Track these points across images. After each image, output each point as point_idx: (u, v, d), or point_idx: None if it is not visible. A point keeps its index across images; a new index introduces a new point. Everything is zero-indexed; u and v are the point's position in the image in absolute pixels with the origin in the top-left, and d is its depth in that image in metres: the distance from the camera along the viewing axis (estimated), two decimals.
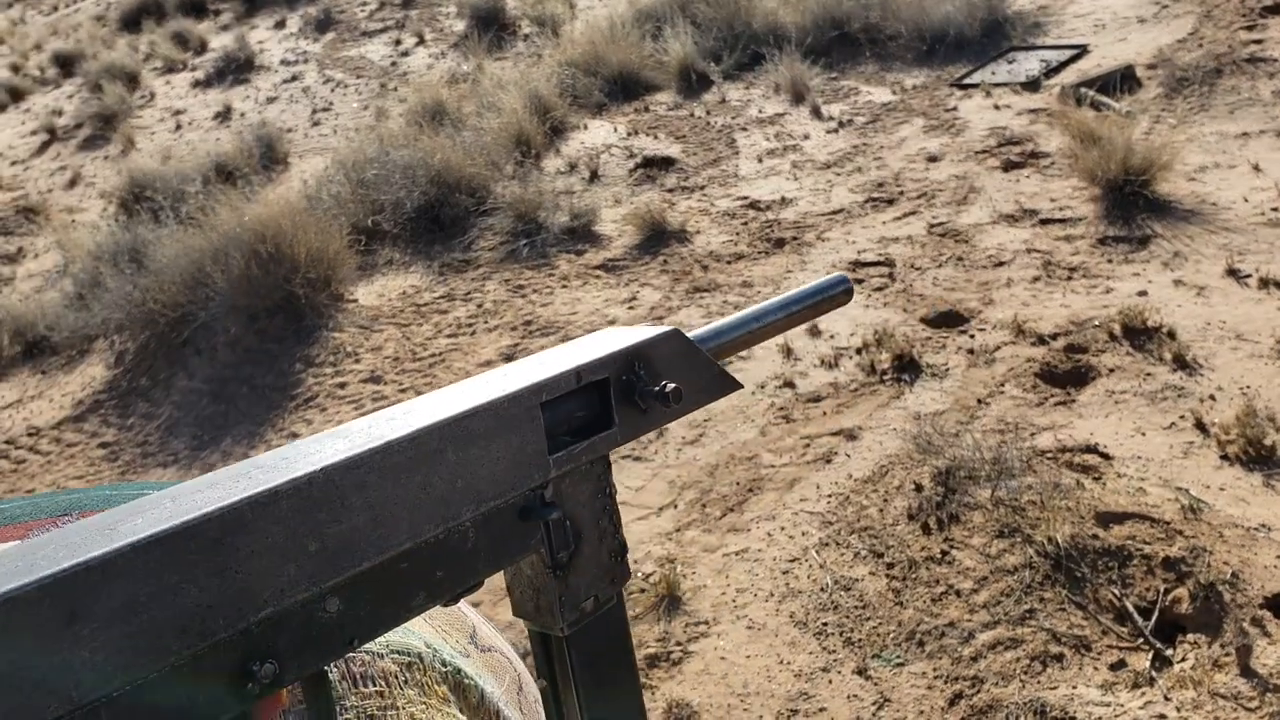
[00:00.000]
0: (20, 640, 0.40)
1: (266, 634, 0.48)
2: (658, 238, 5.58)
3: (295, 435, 4.51)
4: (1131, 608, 2.84)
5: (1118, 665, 2.71)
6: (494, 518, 0.60)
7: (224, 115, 9.74)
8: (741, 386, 0.84)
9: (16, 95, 11.35)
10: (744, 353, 4.41)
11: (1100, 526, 3.09)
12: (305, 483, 0.48)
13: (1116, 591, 2.90)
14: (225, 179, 7.10)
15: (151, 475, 4.36)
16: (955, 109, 6.68)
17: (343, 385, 4.79)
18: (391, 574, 0.54)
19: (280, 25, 12.57)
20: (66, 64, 12.21)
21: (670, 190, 6.27)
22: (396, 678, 0.69)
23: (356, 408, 4.60)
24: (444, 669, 0.71)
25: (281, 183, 7.42)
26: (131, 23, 13.42)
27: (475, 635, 0.78)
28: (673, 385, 0.67)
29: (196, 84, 10.96)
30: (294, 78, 10.64)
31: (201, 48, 12.26)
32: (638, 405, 0.68)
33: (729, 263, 5.24)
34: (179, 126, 9.78)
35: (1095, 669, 2.70)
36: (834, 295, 0.89)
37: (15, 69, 12.68)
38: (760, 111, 7.32)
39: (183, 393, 4.90)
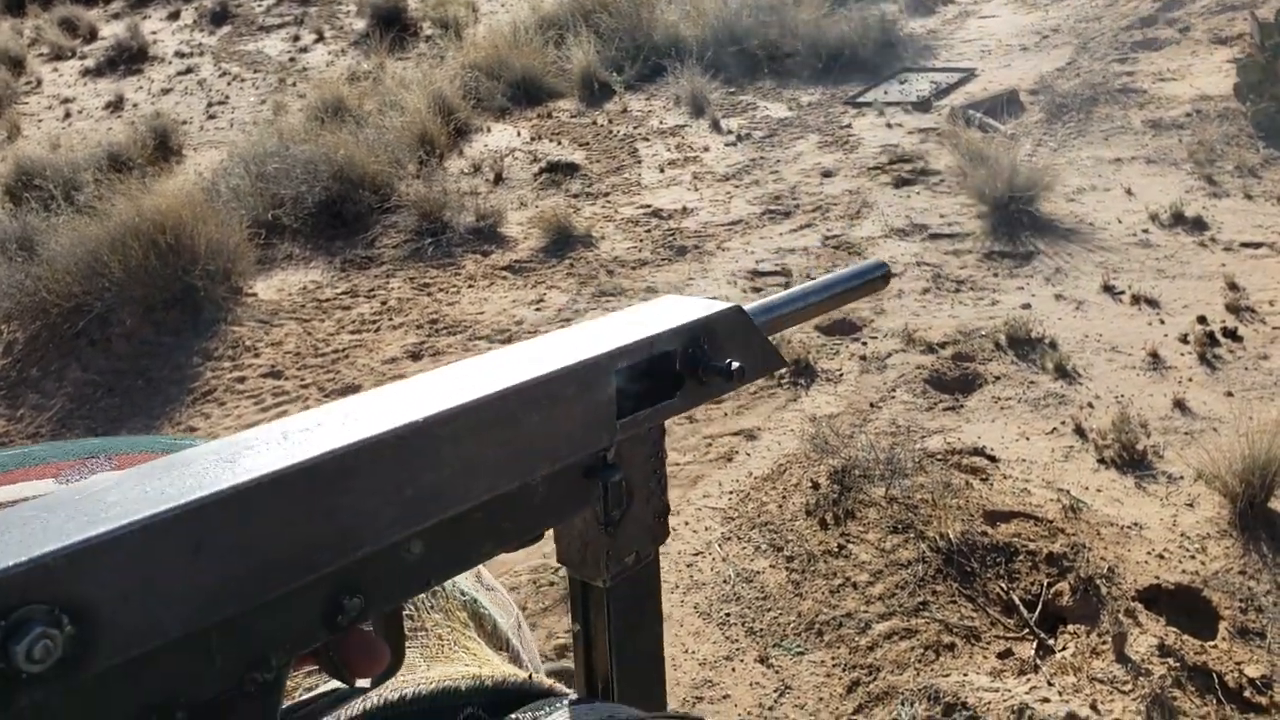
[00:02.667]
0: (150, 566, 0.41)
1: (359, 571, 0.51)
2: (564, 242, 5.65)
3: (192, 429, 4.46)
4: (1018, 600, 3.02)
5: (1005, 654, 2.87)
6: (561, 475, 0.64)
7: (116, 105, 9.51)
8: (786, 364, 0.90)
9: None
10: None
11: (988, 524, 3.27)
12: (409, 432, 0.52)
13: (1004, 585, 3.07)
14: (118, 169, 6.95)
15: None
16: (849, 126, 6.91)
17: (242, 379, 4.76)
18: (468, 522, 0.57)
19: (174, 16, 12.31)
20: None
21: (575, 196, 6.35)
22: (423, 603, 0.76)
23: (256, 402, 4.57)
24: (463, 598, 0.78)
25: (177, 175, 7.30)
26: (15, 6, 13.00)
27: (480, 575, 0.85)
28: (738, 363, 0.70)
29: (86, 72, 10.66)
30: (189, 70, 10.44)
31: (91, 36, 11.93)
32: (699, 378, 0.71)
33: (633, 268, 5.34)
34: (68, 115, 9.52)
35: (984, 657, 2.86)
36: (873, 280, 0.94)
37: None
38: (661, 122, 7.45)
39: (76, 384, 4.80)
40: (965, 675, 2.83)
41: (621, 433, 0.66)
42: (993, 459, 3.67)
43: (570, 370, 0.61)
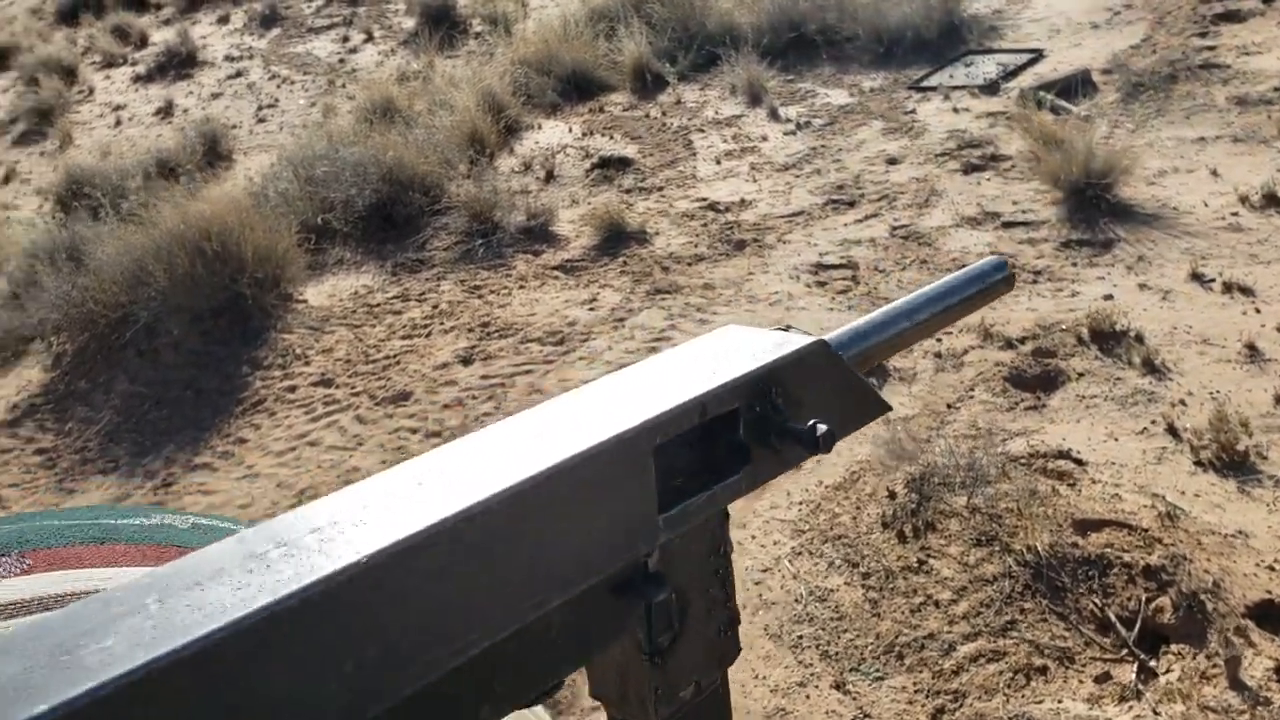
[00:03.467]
0: None
1: None
2: (616, 238, 5.47)
3: (242, 440, 4.35)
4: (1114, 618, 2.78)
5: (1103, 678, 2.64)
6: (582, 600, 0.46)
7: (166, 111, 9.48)
8: (890, 409, 0.67)
9: None
10: None
11: (1079, 534, 3.04)
12: (344, 580, 0.36)
13: (1098, 601, 2.84)
14: (167, 175, 6.88)
15: (91, 483, 4.18)
16: (913, 112, 6.65)
17: (292, 389, 4.63)
18: (444, 691, 0.41)
19: (224, 21, 12.31)
20: (1, 58, 11.84)
21: (628, 191, 6.17)
22: None
23: (307, 411, 4.44)
24: None
25: (226, 180, 7.22)
26: (69, 16, 13.07)
27: None
28: (824, 428, 0.53)
29: (137, 79, 10.67)
30: (238, 74, 10.40)
31: (142, 42, 11.96)
32: (772, 446, 0.54)
33: (689, 264, 5.15)
34: (119, 122, 9.51)
35: (1080, 681, 2.63)
36: (994, 285, 0.75)
37: None
38: (717, 113, 7.24)
39: (123, 396, 4.71)
40: (1060, 702, 2.60)
41: (666, 531, 0.49)
42: (1080, 462, 3.42)
43: (584, 458, 0.44)
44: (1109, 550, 2.99)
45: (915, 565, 3.03)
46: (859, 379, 0.61)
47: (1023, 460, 3.42)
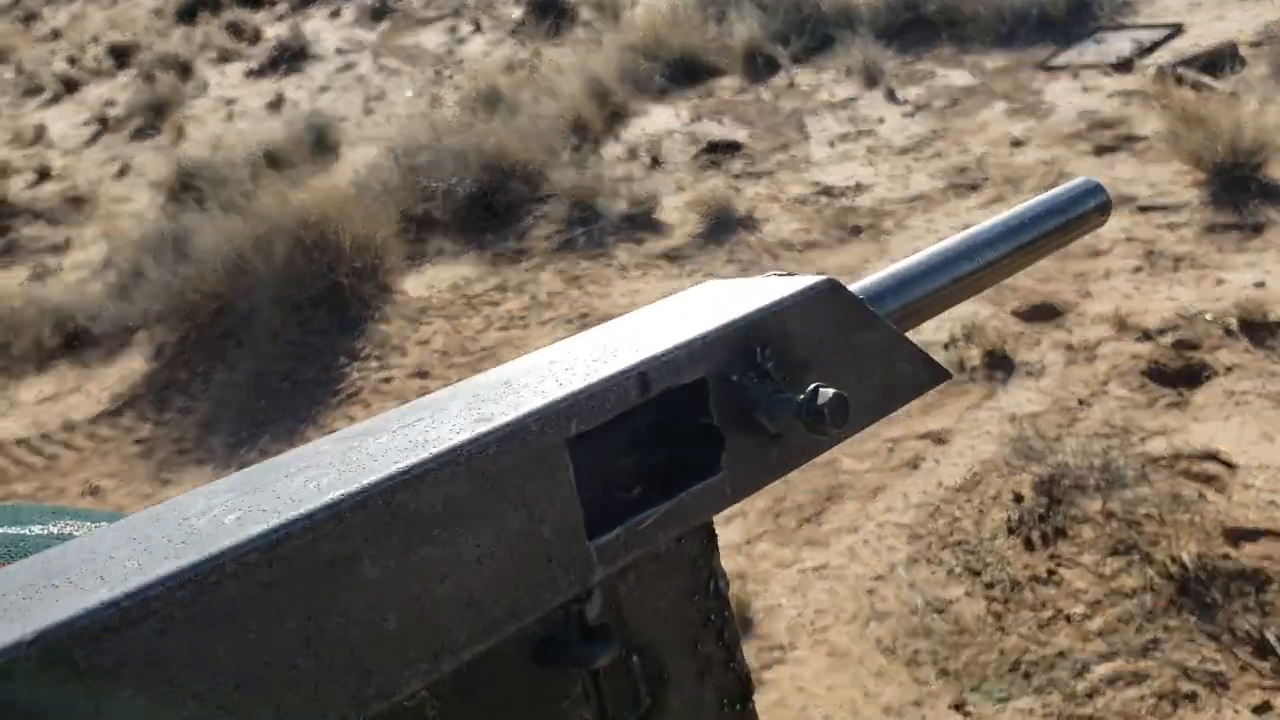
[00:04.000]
0: None
1: None
2: (724, 225, 5.25)
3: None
4: (1274, 639, 2.47)
5: (1262, 708, 2.34)
6: (478, 674, 0.32)
7: (276, 104, 9.56)
8: (949, 375, 0.47)
9: (71, 87, 11.26)
10: None
11: (1230, 545, 2.73)
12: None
13: (1255, 621, 2.53)
14: (274, 167, 6.89)
15: (186, 474, 4.13)
16: (1040, 92, 6.28)
17: (388, 380, 4.53)
18: None
19: (335, 15, 12.40)
20: (122, 55, 12.11)
21: (736, 176, 5.94)
22: None
23: (402, 403, 4.33)
24: None
25: (332, 171, 7.19)
26: (188, 14, 13.33)
27: None
28: (829, 391, 0.38)
29: (250, 73, 10.81)
30: (348, 66, 10.45)
31: (256, 37, 12.12)
32: (761, 427, 0.39)
33: (801, 251, 4.90)
34: (231, 116, 9.62)
35: (1235, 711, 2.33)
36: (1084, 215, 0.57)
37: (72, 61, 12.62)
38: (831, 95, 6.96)
39: (222, 387, 4.66)
40: None
41: (603, 564, 0.34)
42: (1229, 465, 3.09)
43: (448, 462, 0.31)
44: (1267, 563, 2.68)
45: (1044, 575, 2.75)
46: (896, 336, 0.45)
47: (1164, 462, 3.11)
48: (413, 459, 0.30)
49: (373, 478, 0.30)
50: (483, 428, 0.32)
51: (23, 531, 0.63)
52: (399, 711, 0.31)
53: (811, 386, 0.39)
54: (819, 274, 0.43)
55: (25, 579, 0.27)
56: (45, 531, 0.64)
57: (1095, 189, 0.59)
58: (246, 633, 0.27)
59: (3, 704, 0.24)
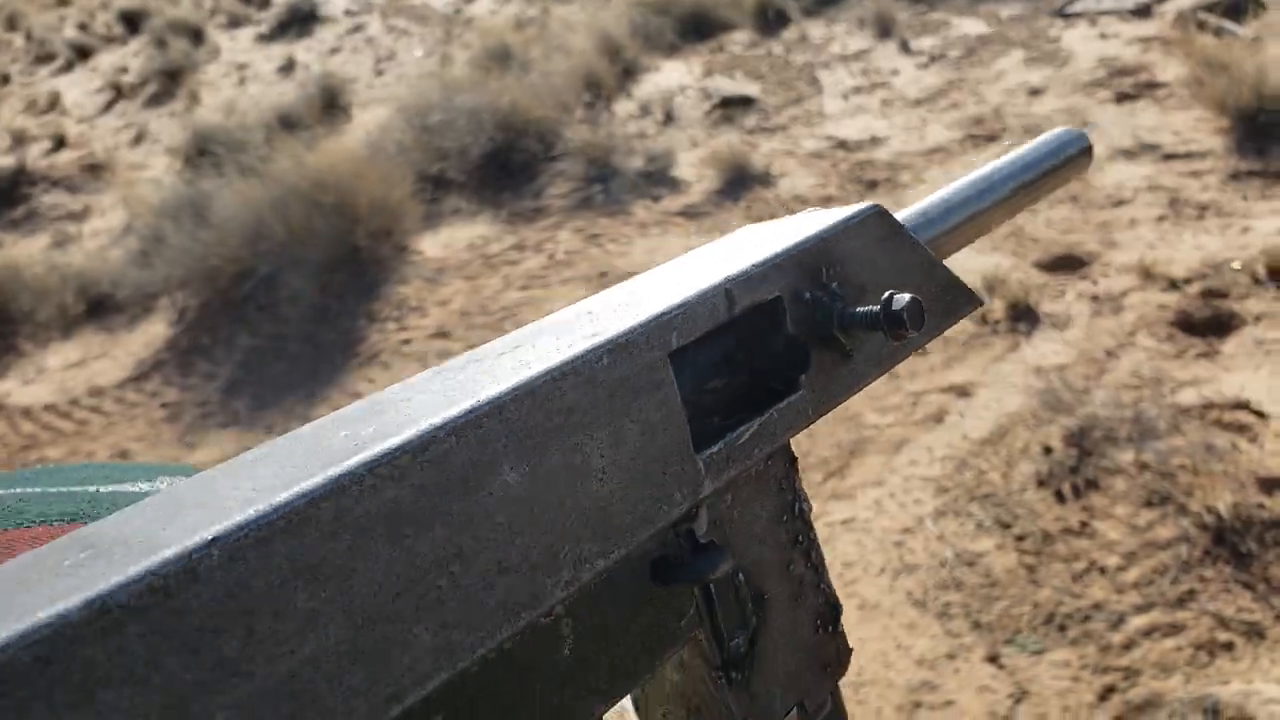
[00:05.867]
0: None
1: None
2: (740, 181, 5.22)
3: (358, 395, 4.26)
4: None
5: None
6: (605, 593, 0.33)
7: (287, 68, 9.51)
8: (982, 302, 0.51)
9: (84, 53, 11.21)
10: None
11: (1265, 494, 2.72)
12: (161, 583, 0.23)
13: None
14: (288, 130, 6.86)
15: (211, 437, 4.14)
16: (1058, 39, 6.21)
17: (407, 341, 4.53)
18: None
19: None
20: (132, 21, 12.05)
21: (751, 131, 5.90)
22: None
23: (423, 365, 4.33)
24: None
25: (345, 133, 7.16)
26: None
27: None
28: (905, 296, 0.40)
29: (260, 38, 10.74)
30: (357, 28, 10.38)
31: (265, 1, 12.04)
32: (838, 342, 0.41)
33: (818, 206, 4.87)
34: (243, 80, 9.57)
35: (1273, 660, 2.33)
36: (1073, 158, 0.63)
37: (82, 27, 12.56)
38: (844, 48, 6.89)
39: (244, 351, 4.67)
40: (1250, 683, 2.31)
41: (711, 477, 0.35)
42: (1261, 414, 3.08)
43: (557, 374, 0.32)
44: None
45: (1077, 527, 2.75)
46: (937, 262, 0.49)
47: (1195, 412, 3.10)
48: (533, 371, 0.32)
49: (501, 387, 0.30)
50: (593, 341, 0.34)
51: (128, 488, 0.63)
52: (537, 628, 0.32)
53: (885, 295, 0.41)
54: (866, 203, 0.46)
55: (184, 494, 0.28)
56: (152, 488, 0.64)
57: (1080, 136, 0.64)
58: (402, 539, 0.28)
59: (200, 600, 0.24)
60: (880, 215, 0.45)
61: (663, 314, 0.35)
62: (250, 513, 0.26)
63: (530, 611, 0.30)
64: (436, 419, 0.29)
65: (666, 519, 0.34)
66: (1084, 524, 2.74)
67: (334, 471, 0.27)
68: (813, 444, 3.37)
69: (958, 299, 0.50)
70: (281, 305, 4.82)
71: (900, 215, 0.53)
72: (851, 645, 0.43)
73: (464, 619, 0.28)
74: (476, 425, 0.29)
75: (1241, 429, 3.00)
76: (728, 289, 0.37)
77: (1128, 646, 2.43)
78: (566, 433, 0.32)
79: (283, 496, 0.26)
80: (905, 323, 0.40)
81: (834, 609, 0.43)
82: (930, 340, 0.48)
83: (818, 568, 0.43)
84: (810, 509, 0.43)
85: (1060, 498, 2.85)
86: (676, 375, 0.35)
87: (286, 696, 0.25)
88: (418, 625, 0.27)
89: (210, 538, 0.25)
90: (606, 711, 0.33)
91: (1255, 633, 2.40)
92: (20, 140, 8.50)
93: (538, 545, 0.30)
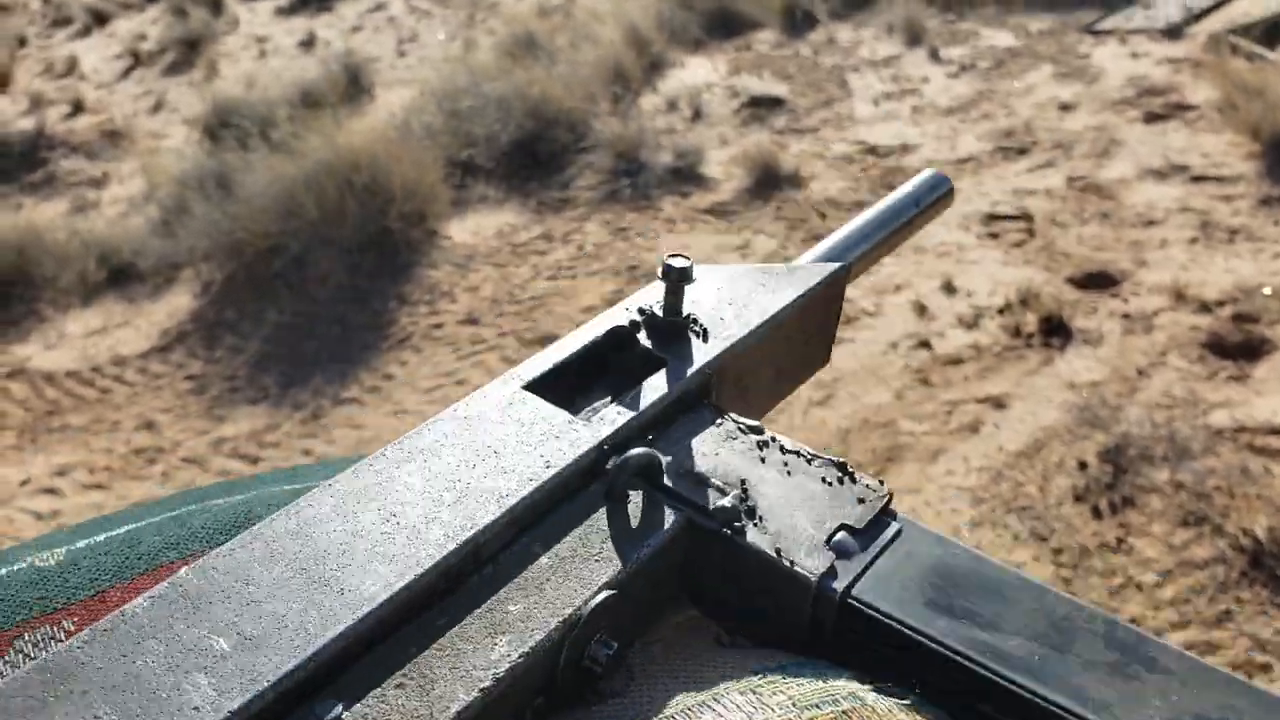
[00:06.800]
0: None
1: None
2: (769, 181, 5.24)
3: (390, 377, 4.28)
4: None
5: None
6: None
7: (308, 43, 9.48)
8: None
9: (101, 19, 11.15)
10: (871, 309, 4.09)
11: None
12: None
13: None
14: (311, 107, 6.85)
15: (240, 412, 4.15)
16: (1088, 56, 6.24)
17: (438, 326, 4.55)
18: None
19: None
20: None
21: (780, 132, 5.92)
22: None
23: (454, 350, 4.36)
24: None
25: (369, 113, 7.15)
26: None
27: None
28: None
29: (280, 11, 10.69)
30: (379, 6, 10.35)
31: None
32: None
33: (849, 210, 4.89)
34: (263, 54, 9.54)
35: None
36: (940, 199, 0.76)
37: None
38: (873, 53, 6.91)
39: (272, 327, 4.68)
40: None
41: None
42: None
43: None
44: None
45: (1113, 543, 2.79)
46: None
47: (1228, 434, 3.14)
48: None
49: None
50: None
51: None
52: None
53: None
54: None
55: None
56: (248, 495, 0.66)
57: (942, 180, 0.76)
58: None
59: None
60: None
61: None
62: None
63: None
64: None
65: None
66: (1120, 540, 2.78)
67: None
68: (847, 449, 3.40)
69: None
70: (310, 283, 4.83)
71: (811, 253, 0.70)
72: None
73: None
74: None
75: (1275, 454, 3.04)
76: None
77: None
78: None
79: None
80: None
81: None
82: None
83: None
84: None
85: (1097, 513, 2.89)
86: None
87: None
88: None
89: None
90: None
91: None
92: (38, 103, 8.46)
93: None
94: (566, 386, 0.55)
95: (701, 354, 0.56)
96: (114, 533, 0.57)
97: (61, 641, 0.50)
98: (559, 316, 4.45)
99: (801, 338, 0.63)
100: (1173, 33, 6.25)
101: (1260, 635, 2.48)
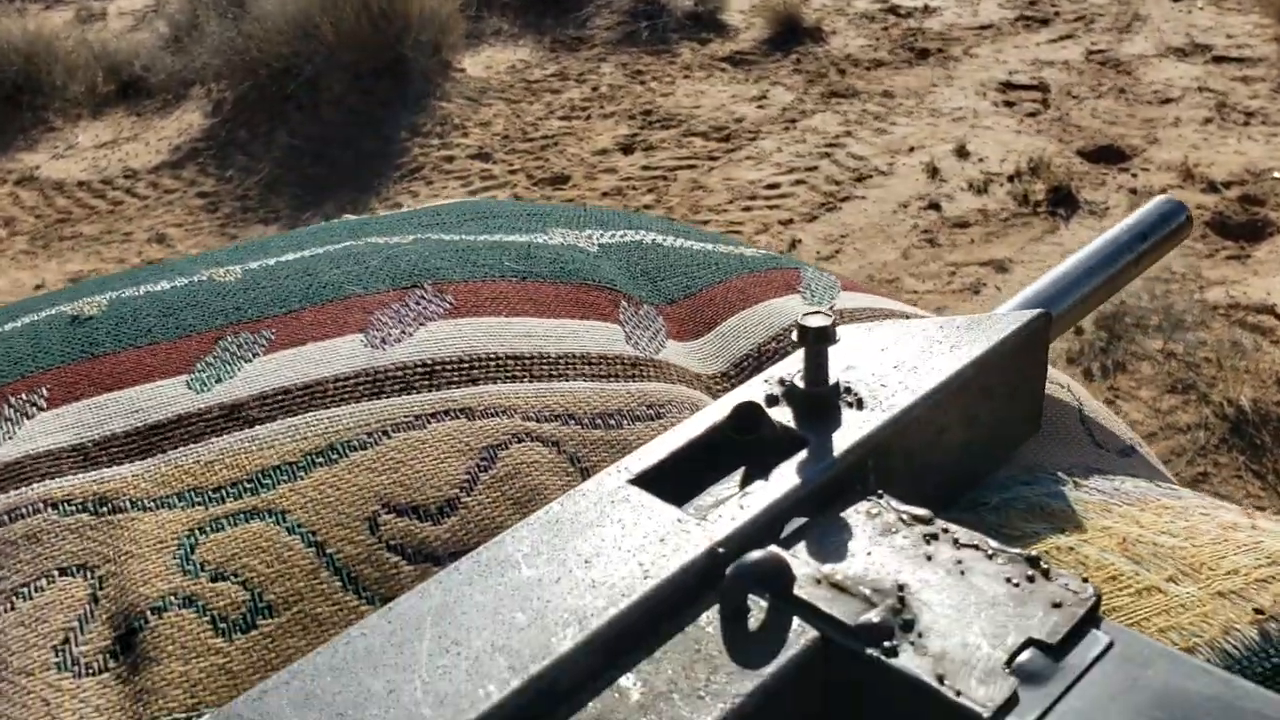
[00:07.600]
0: None
1: None
2: (790, 34, 5.20)
3: (399, 207, 4.31)
4: None
5: None
6: None
7: None
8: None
9: None
10: (885, 168, 4.12)
11: None
12: None
13: None
14: None
15: (253, 230, 4.20)
16: None
17: (450, 159, 4.56)
18: None
19: None
20: None
21: None
22: None
23: (464, 184, 4.38)
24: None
25: None
26: None
27: None
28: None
29: None
30: None
31: None
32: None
33: (868, 69, 4.88)
34: None
35: None
36: (1173, 232, 0.66)
37: None
38: None
39: (284, 149, 4.68)
40: None
41: None
42: None
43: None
44: None
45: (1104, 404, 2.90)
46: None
47: (1222, 310, 3.23)
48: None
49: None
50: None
51: (532, 239, 0.69)
52: None
53: None
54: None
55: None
56: (544, 242, 0.70)
57: (1180, 208, 0.67)
58: None
59: None
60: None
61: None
62: None
63: None
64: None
65: None
66: (1109, 402, 2.89)
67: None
68: None
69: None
70: (324, 108, 4.82)
71: (1014, 300, 0.60)
72: None
73: None
74: None
75: (1264, 331, 3.14)
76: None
77: None
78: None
79: None
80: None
81: None
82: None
83: None
84: None
85: (1089, 375, 2.99)
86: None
87: None
88: None
89: None
90: None
91: None
92: None
93: None
94: (685, 479, 0.46)
95: (854, 429, 0.47)
96: (283, 259, 0.62)
97: (263, 346, 0.56)
98: (571, 158, 4.47)
99: (992, 404, 0.52)
100: None
101: (1234, 497, 2.61)
